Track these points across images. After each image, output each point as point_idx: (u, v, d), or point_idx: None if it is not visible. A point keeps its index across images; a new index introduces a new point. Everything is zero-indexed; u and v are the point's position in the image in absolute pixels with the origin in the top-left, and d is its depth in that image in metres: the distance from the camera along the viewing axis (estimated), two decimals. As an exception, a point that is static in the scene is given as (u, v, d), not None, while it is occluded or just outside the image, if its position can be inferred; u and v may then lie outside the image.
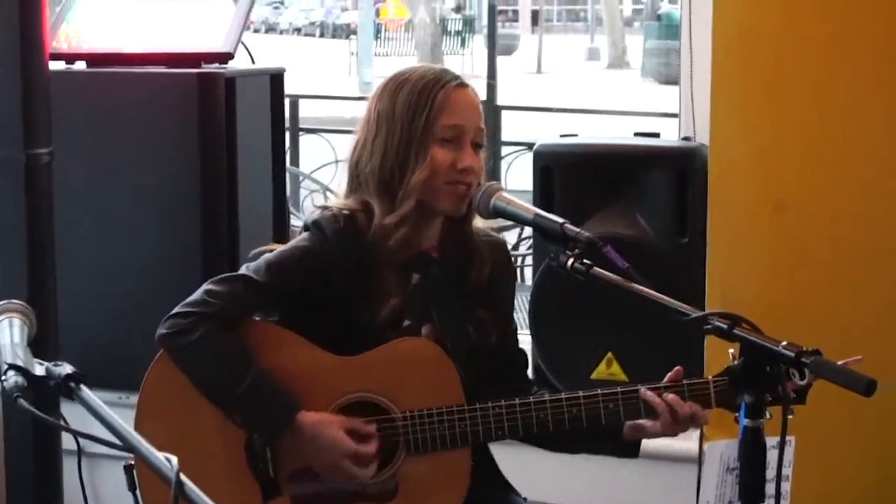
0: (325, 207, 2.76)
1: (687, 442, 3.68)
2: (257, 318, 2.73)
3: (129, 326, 4.07)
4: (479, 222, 2.82)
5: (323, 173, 8.99)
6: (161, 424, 2.65)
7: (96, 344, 4.07)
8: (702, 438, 3.68)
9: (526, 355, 3.00)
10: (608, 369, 3.84)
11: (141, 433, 1.80)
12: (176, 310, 2.65)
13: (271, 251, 2.74)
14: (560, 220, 2.59)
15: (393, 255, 2.69)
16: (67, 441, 3.89)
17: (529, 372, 3.76)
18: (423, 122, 2.68)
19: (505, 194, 2.70)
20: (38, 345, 2.08)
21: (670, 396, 2.64)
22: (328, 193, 8.40)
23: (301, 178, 8.83)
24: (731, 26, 3.60)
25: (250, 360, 2.63)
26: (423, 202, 2.69)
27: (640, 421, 2.70)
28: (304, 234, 2.74)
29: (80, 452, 4.19)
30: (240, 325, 2.66)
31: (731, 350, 2.58)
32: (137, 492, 1.94)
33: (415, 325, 2.75)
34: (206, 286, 2.68)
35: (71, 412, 2.22)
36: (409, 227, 2.68)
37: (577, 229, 2.56)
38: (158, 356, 2.70)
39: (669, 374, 2.70)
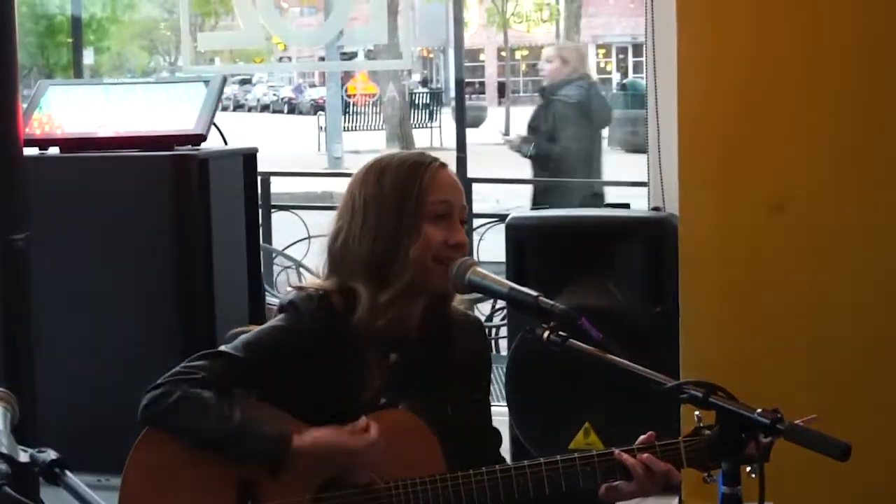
0: (300, 288, 2.79)
1: (666, 509, 3.73)
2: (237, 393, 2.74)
3: (107, 408, 4.06)
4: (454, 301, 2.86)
5: (295, 249, 8.99)
6: (146, 498, 2.66)
7: (74, 426, 4.07)
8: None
9: (500, 434, 3.03)
10: (586, 439, 3.86)
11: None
12: (153, 384, 2.66)
13: (248, 332, 2.76)
14: (534, 293, 2.62)
15: (378, 335, 2.71)
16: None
17: (506, 443, 3.80)
18: (413, 201, 2.72)
19: (479, 269, 2.73)
20: (17, 430, 2.09)
21: (644, 455, 2.66)
22: (301, 270, 8.41)
23: (274, 254, 8.84)
24: (696, 95, 3.67)
25: (233, 402, 2.64)
26: (412, 282, 2.73)
27: (616, 483, 2.72)
28: (280, 315, 2.77)
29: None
30: (219, 392, 2.67)
31: (697, 412, 2.62)
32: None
33: (391, 404, 2.77)
34: (183, 363, 2.70)
35: (47, 496, 2.23)
36: (400, 305, 2.72)
37: (552, 302, 2.59)
38: (137, 442, 2.70)
39: (642, 437, 2.72)
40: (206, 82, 4.43)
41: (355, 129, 28.03)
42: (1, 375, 3.57)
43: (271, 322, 2.75)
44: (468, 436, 2.84)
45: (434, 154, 2.85)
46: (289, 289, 2.89)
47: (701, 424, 2.62)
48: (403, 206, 2.73)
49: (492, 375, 3.07)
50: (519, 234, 3.99)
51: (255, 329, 2.75)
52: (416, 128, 28.09)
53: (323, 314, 2.70)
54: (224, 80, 4.47)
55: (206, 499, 2.67)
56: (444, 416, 2.78)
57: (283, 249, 8.94)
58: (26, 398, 3.57)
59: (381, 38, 6.08)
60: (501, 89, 40.46)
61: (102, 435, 3.86)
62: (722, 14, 3.67)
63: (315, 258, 2.90)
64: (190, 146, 4.25)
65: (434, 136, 26.86)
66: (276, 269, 8.82)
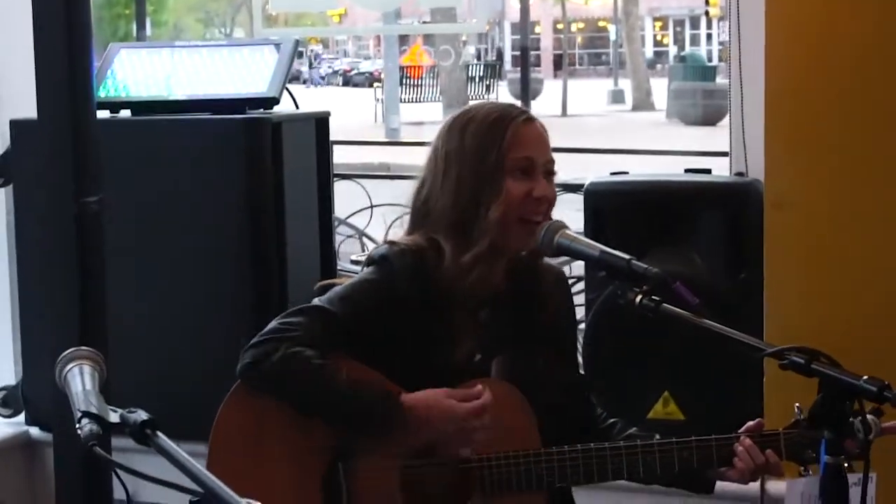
0: (391, 243, 2.74)
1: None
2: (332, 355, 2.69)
3: (178, 377, 4.05)
4: None
5: (357, 218, 8.96)
6: (233, 468, 2.61)
7: (146, 393, 4.03)
8: (763, 479, 3.65)
9: (589, 382, 2.99)
10: (665, 409, 3.79)
11: (215, 475, 1.76)
12: (253, 340, 2.63)
13: (337, 284, 2.72)
14: (627, 256, 2.57)
15: (465, 293, 2.66)
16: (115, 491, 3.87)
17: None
18: (494, 157, 2.67)
19: (569, 232, 2.67)
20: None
21: (748, 443, 2.61)
22: (364, 239, 8.37)
23: (336, 223, 8.80)
24: (783, 62, 3.64)
25: (338, 364, 2.60)
26: (495, 241, 2.67)
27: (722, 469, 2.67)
28: (371, 268, 2.72)
29: (129, 502, 4.15)
30: (319, 351, 2.62)
31: (797, 405, 2.55)
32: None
33: (484, 361, 2.73)
34: (279, 318, 2.66)
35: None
36: (484, 264, 2.66)
37: (645, 266, 2.53)
38: (226, 401, 2.66)
39: (750, 423, 2.66)
40: (278, 45, 4.37)
41: (411, 101, 28.02)
42: (75, 340, 3.54)
43: (363, 275, 2.71)
44: (560, 389, 2.80)
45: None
46: (379, 243, 2.81)
47: (801, 417, 2.55)
48: (484, 161, 2.68)
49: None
50: (597, 201, 3.91)
51: (348, 282, 2.70)
52: (472, 99, 28.03)
53: (415, 269, 2.66)
54: (297, 44, 4.41)
55: (299, 460, 2.63)
56: (536, 371, 2.74)
57: (346, 218, 8.90)
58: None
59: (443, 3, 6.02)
60: (558, 62, 40.32)
61: (174, 403, 3.83)
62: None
63: (378, 228, 2.88)
64: (262, 110, 4.20)
65: (491, 109, 26.82)
66: (338, 237, 8.78)
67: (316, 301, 2.70)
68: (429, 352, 2.67)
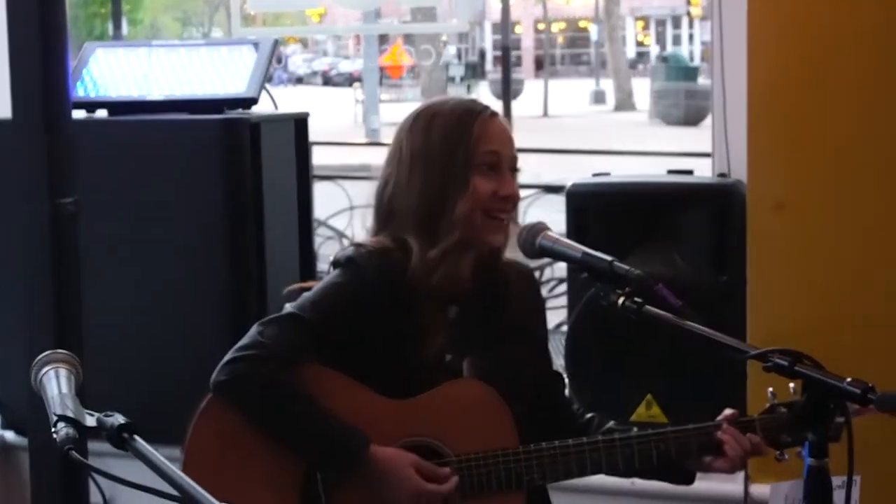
0: (357, 245, 2.72)
1: (731, 485, 3.64)
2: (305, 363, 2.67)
3: (156, 380, 4.02)
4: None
5: (337, 220, 8.94)
6: (209, 477, 2.57)
7: (122, 396, 3.99)
8: (747, 481, 3.64)
9: (563, 377, 2.96)
10: (648, 411, 3.77)
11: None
12: (231, 356, 2.62)
13: (306, 289, 2.70)
14: (608, 258, 2.55)
15: (433, 291, 2.65)
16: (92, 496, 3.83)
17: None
18: (461, 152, 2.66)
19: (551, 233, 2.65)
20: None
21: (731, 430, 2.59)
22: (343, 241, 8.35)
23: (316, 224, 8.78)
24: (765, 62, 3.62)
25: (313, 398, 2.60)
26: (463, 237, 2.65)
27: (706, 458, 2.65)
28: (337, 272, 2.70)
29: (107, 507, 4.12)
30: (295, 366, 2.62)
31: (770, 389, 2.55)
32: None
33: (455, 360, 2.71)
34: (257, 328, 2.65)
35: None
36: (451, 262, 2.64)
37: (627, 267, 2.51)
38: (203, 408, 2.64)
39: (727, 412, 2.64)
40: (256, 45, 4.33)
41: (391, 102, 28.01)
42: (50, 342, 3.51)
43: (331, 279, 2.69)
44: (533, 386, 2.79)
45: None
46: (345, 246, 2.79)
47: (776, 402, 2.55)
48: (451, 158, 2.67)
49: (551, 344, 3.01)
50: (580, 202, 3.88)
51: (317, 287, 2.68)
52: (453, 100, 27.97)
53: (382, 269, 2.65)
54: (276, 44, 4.37)
55: (270, 470, 2.60)
56: (509, 369, 2.73)
57: (326, 220, 8.89)
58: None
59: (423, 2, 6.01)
60: (539, 62, 40.35)
61: (152, 404, 3.80)
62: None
63: (358, 230, 2.86)
64: (241, 110, 4.16)
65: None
66: (318, 239, 8.77)
67: (288, 307, 2.68)
68: (399, 351, 2.66)
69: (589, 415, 2.87)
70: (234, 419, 2.61)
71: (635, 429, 2.69)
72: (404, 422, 2.63)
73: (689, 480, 2.73)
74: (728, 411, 2.65)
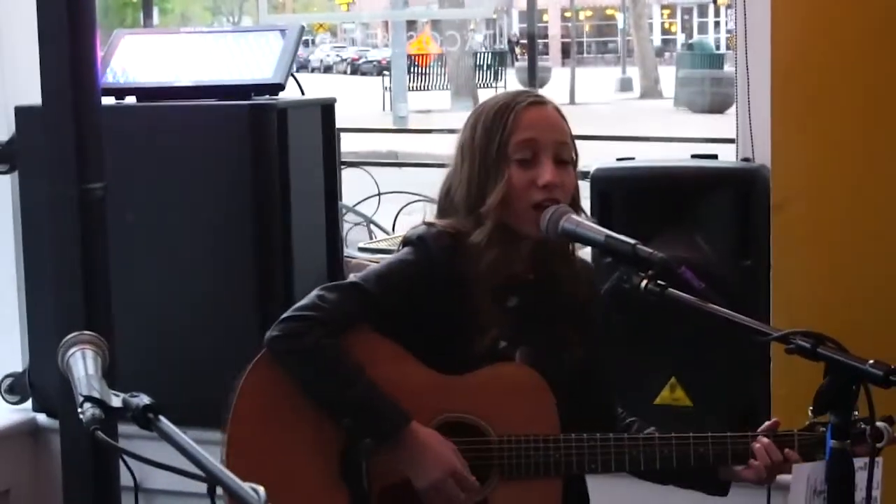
0: (429, 224, 2.76)
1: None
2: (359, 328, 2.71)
3: (184, 364, 4.04)
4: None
5: (365, 206, 8.94)
6: (253, 431, 2.64)
7: (151, 379, 4.03)
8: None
9: (614, 380, 2.98)
10: (672, 394, 3.78)
11: (238, 438, 1.76)
12: (288, 314, 2.67)
13: (372, 263, 2.76)
14: (632, 241, 2.56)
15: (485, 277, 2.67)
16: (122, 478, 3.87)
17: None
18: (497, 145, 2.68)
19: (574, 216, 2.66)
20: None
21: (766, 442, 2.64)
22: (371, 227, 8.36)
23: (344, 210, 8.79)
24: (789, 47, 3.62)
25: (362, 367, 2.63)
26: (506, 225, 2.68)
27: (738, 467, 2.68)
28: (407, 249, 2.74)
29: (136, 488, 4.16)
30: (348, 333, 2.66)
31: (811, 408, 2.53)
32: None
33: (510, 348, 2.73)
34: (318, 292, 2.69)
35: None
36: (498, 249, 2.66)
37: (651, 250, 2.52)
38: (254, 364, 2.67)
39: (767, 423, 2.68)
40: (283, 31, 4.35)
41: (419, 90, 28.00)
42: (80, 325, 3.54)
43: (400, 255, 2.74)
44: (583, 382, 2.80)
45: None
46: (417, 224, 2.84)
47: (815, 420, 2.58)
48: (488, 149, 2.70)
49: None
50: (604, 186, 3.90)
51: (384, 261, 2.75)
52: (481, 87, 27.98)
53: (449, 251, 2.68)
54: (302, 30, 4.39)
55: (314, 432, 2.64)
56: (561, 362, 2.75)
57: (354, 206, 8.89)
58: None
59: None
60: (565, 50, 40.26)
61: (181, 387, 3.84)
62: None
63: (385, 215, 2.90)
64: (268, 96, 4.18)
65: (499, 97, 26.79)
66: (345, 225, 8.78)
67: (352, 277, 2.73)
68: (454, 335, 2.69)
69: (631, 419, 2.90)
70: (284, 377, 2.65)
71: (673, 433, 2.72)
72: (448, 396, 2.67)
73: (724, 491, 2.77)
74: (768, 423, 2.68)
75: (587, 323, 2.85)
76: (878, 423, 2.40)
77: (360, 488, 2.63)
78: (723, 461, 2.67)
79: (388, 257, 2.79)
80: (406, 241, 2.75)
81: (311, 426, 2.64)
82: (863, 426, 2.38)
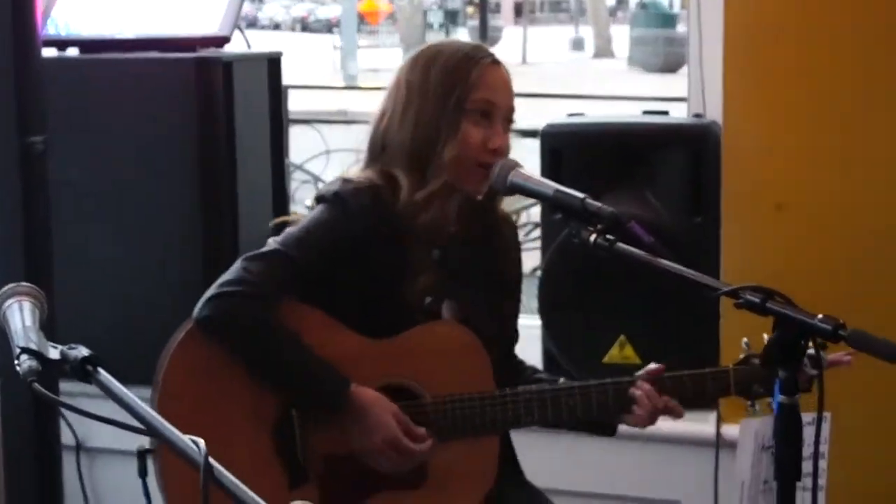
0: (345, 180, 2.69)
1: (703, 425, 3.65)
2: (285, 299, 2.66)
3: (129, 321, 3.99)
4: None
5: (313, 164, 8.89)
6: (184, 408, 2.58)
7: (95, 335, 3.97)
8: (719, 421, 3.65)
9: (518, 333, 2.97)
10: (621, 352, 3.76)
11: (167, 414, 1.73)
12: (215, 290, 2.60)
13: (291, 223, 2.69)
14: (580, 195, 2.53)
15: (419, 232, 2.63)
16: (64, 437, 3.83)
17: (538, 356, 3.76)
18: (455, 96, 2.64)
19: (522, 170, 2.63)
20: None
21: (647, 387, 2.64)
22: (319, 185, 8.31)
23: (292, 168, 8.73)
24: (742, 10, 3.60)
25: (297, 337, 2.59)
26: (448, 181, 2.64)
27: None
28: (322, 207, 2.68)
29: (78, 447, 4.12)
30: (280, 303, 2.61)
31: (745, 339, 2.55)
32: (148, 478, 1.89)
33: (435, 303, 2.69)
34: (241, 262, 2.63)
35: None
36: (437, 206, 2.63)
37: (599, 204, 2.50)
38: (180, 340, 2.62)
39: (651, 366, 2.70)
40: (230, -16, 4.28)
41: (369, 48, 27.86)
42: (20, 278, 3.48)
43: (316, 215, 2.66)
44: (503, 340, 2.79)
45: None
46: (332, 179, 2.79)
47: (750, 352, 2.60)
48: (446, 99, 2.64)
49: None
50: (554, 143, 3.85)
51: (302, 223, 2.66)
52: (431, 47, 27.83)
53: (368, 207, 2.62)
54: (249, -18, 4.33)
55: (244, 405, 2.60)
56: (486, 315, 2.73)
57: (302, 164, 8.84)
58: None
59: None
60: (518, 9, 40.15)
61: (125, 343, 3.78)
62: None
63: (334, 174, 2.84)
64: (213, 48, 4.12)
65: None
66: (293, 183, 8.72)
67: (272, 243, 2.66)
68: (381, 290, 2.65)
69: (528, 365, 2.93)
70: (211, 352, 2.60)
71: (562, 379, 2.74)
72: (383, 362, 2.63)
73: (612, 432, 2.81)
74: (652, 367, 2.68)
75: (510, 277, 2.84)
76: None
77: (296, 462, 2.60)
78: (622, 407, 2.66)
79: (305, 218, 2.71)
80: (320, 199, 2.68)
81: (241, 401, 2.60)
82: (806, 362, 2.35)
